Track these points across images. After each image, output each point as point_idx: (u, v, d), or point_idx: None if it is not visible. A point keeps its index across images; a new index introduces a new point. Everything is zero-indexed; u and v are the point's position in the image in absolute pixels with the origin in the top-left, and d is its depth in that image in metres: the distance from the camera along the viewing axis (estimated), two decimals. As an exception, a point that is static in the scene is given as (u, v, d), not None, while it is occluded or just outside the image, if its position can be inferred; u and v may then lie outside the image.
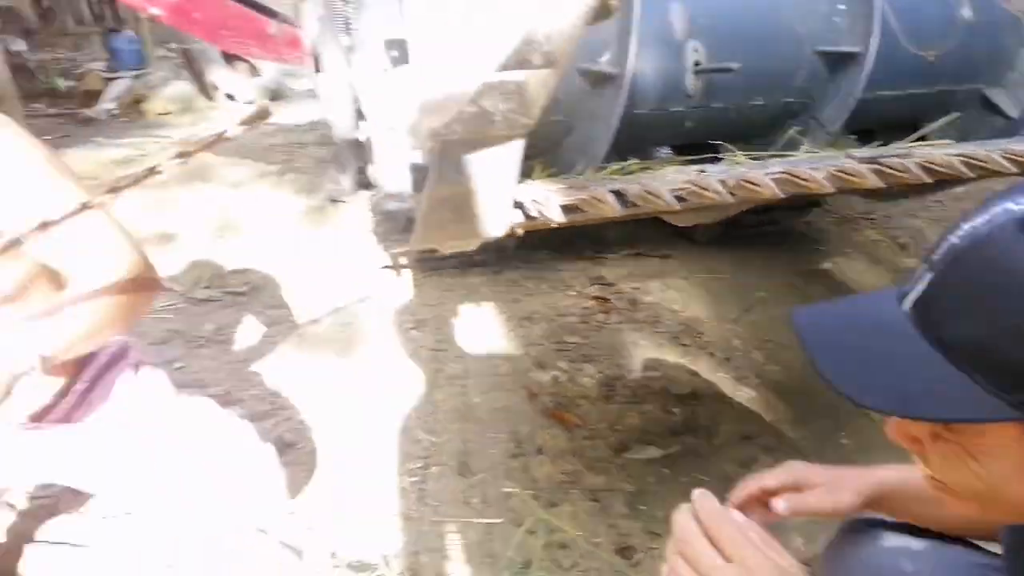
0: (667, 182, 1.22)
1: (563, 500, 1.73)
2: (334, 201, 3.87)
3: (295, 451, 1.86)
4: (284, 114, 6.85)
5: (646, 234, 3.10)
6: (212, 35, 2.77)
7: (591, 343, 2.43)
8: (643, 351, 2.38)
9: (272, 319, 2.58)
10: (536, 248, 3.01)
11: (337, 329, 2.54)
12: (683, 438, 1.99)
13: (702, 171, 1.28)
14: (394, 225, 0.95)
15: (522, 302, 2.75)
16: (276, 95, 7.73)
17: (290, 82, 8.01)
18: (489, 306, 2.71)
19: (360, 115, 1.11)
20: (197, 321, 2.57)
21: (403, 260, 2.91)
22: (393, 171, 1.11)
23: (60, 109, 6.99)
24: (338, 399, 2.10)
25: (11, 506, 1.59)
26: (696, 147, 1.96)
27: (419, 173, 1.10)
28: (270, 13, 2.65)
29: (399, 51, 1.00)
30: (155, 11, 2.68)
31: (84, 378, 1.21)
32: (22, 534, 1.56)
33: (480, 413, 2.06)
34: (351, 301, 2.73)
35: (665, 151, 1.93)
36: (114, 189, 0.79)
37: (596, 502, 1.74)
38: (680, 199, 1.16)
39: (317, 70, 1.72)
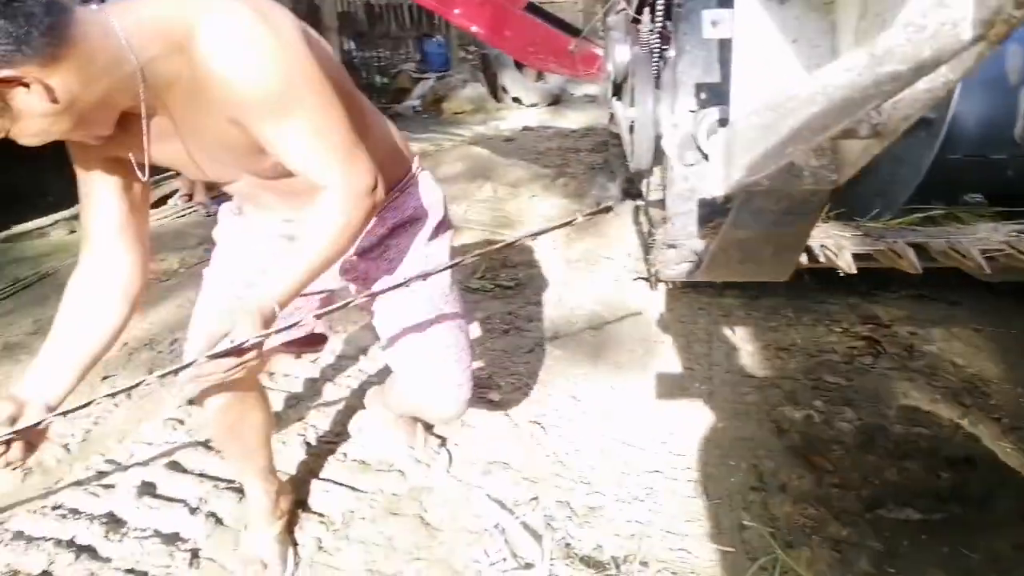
0: (978, 240, 1.13)
1: (802, 544, 1.67)
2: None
3: (535, 438, 2.00)
4: (563, 119, 7.22)
5: (933, 275, 2.82)
6: (519, 52, 3.03)
7: (853, 386, 2.28)
8: (913, 404, 2.19)
9: (531, 315, 2.77)
10: (800, 275, 2.88)
11: (590, 332, 2.66)
12: (949, 506, 1.80)
13: (1022, 233, 1.16)
14: (677, 255, 1.00)
15: (780, 332, 2.66)
16: (557, 100, 8.16)
17: (571, 88, 8.40)
18: (743, 331, 2.66)
19: (659, 148, 1.18)
20: (467, 308, 2.83)
21: (660, 273, 2.95)
22: (684, 205, 1.16)
23: (375, 103, 8.02)
24: (581, 399, 2.21)
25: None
26: (1013, 197, 1.76)
27: (705, 208, 1.14)
28: (572, 31, 2.83)
29: (708, 94, 1.05)
30: (475, 28, 2.99)
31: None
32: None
33: (722, 439, 2.04)
34: (606, 307, 2.84)
35: (976, 197, 1.75)
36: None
37: (838, 553, 1.65)
38: (990, 259, 1.07)
39: (615, 95, 1.83)
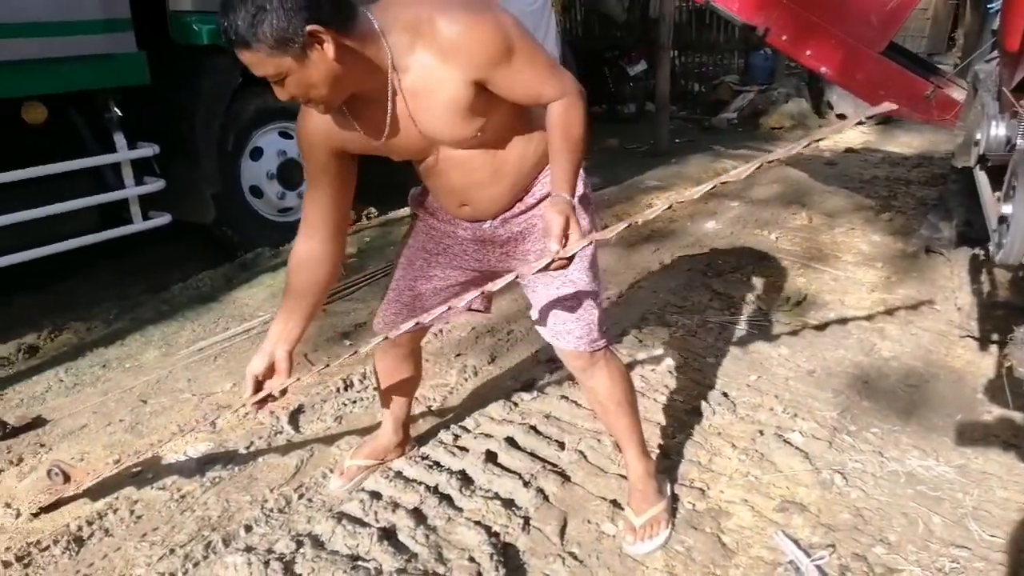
0: None
1: None
2: (929, 251, 3.77)
3: (836, 487, 2.05)
4: (892, 141, 6.72)
5: None
6: (869, 94, 2.99)
7: None
8: None
9: (839, 360, 2.75)
10: None
11: (903, 388, 2.58)
12: None
13: None
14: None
15: None
16: (887, 119, 7.57)
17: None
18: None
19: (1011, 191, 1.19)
20: (744, 339, 2.90)
21: (980, 330, 2.74)
22: None
23: (689, 113, 8.15)
24: (888, 456, 2.19)
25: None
26: None
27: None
28: (933, 71, 2.72)
29: None
30: (824, 70, 3.02)
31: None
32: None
33: (1048, 530, 1.92)
34: (925, 363, 2.73)
35: None
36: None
37: None
38: None
39: (981, 167, 1.80)
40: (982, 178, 1.77)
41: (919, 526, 1.93)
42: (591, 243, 1.53)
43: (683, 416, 2.40)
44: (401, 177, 1.82)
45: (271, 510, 2.01)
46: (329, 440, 2.33)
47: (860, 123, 1.00)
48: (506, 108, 1.50)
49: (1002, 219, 1.33)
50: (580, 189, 1.70)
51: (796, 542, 1.86)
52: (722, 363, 2.73)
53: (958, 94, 2.75)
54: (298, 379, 1.74)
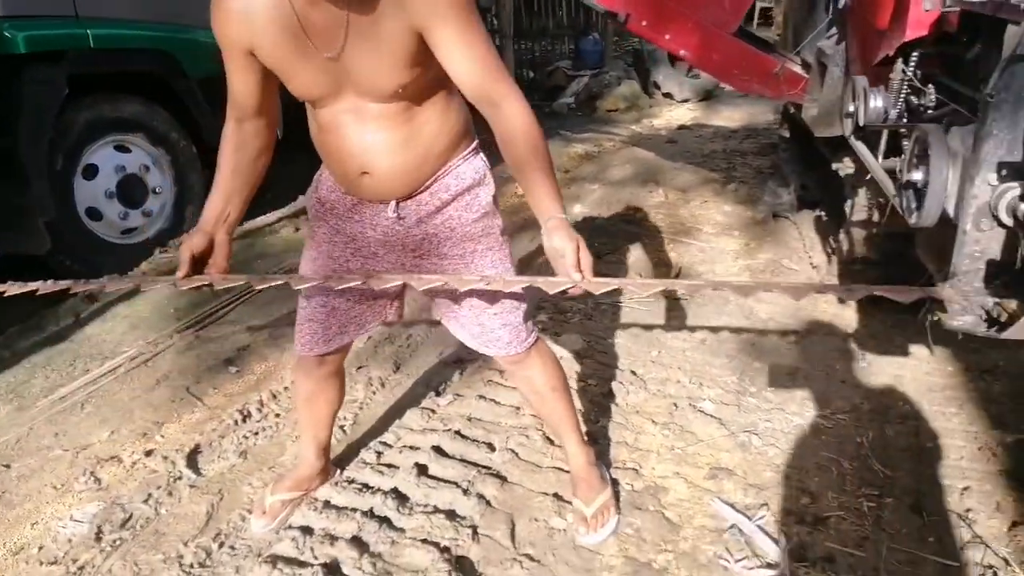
0: None
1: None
2: (776, 216, 4.09)
3: (755, 448, 2.18)
4: (717, 116, 7.22)
5: None
6: (725, 74, 3.17)
7: (1065, 413, 2.31)
8: None
9: (727, 325, 2.93)
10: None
11: (786, 346, 2.80)
12: None
13: None
14: (962, 309, 1.09)
15: (982, 352, 2.69)
16: (709, 95, 8.14)
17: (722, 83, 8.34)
18: (942, 352, 2.71)
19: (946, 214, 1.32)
20: (638, 316, 3.04)
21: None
22: (973, 264, 1.31)
23: (528, 100, 8.28)
24: (789, 412, 2.36)
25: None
26: None
27: (992, 268, 1.29)
28: (772, 48, 2.93)
29: (1008, 171, 1.21)
30: (684, 52, 3.16)
31: None
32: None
33: (933, 459, 2.15)
34: (798, 321, 2.96)
35: None
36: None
37: (1064, 579, 1.75)
38: None
39: (858, 136, 1.94)
40: (860, 146, 1.92)
41: (832, 472, 2.09)
42: (619, 288, 1.43)
43: (600, 400, 2.44)
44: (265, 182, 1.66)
45: (190, 566, 1.82)
46: (238, 479, 2.15)
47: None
48: (435, 75, 1.42)
49: (908, 184, 1.44)
50: (493, 189, 1.67)
51: (732, 506, 1.95)
52: (623, 343, 2.81)
53: (799, 70, 3.00)
54: (243, 282, 1.57)
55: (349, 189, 1.58)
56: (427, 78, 1.43)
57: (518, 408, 2.39)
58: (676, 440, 2.23)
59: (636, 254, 3.66)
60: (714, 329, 2.91)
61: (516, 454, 2.18)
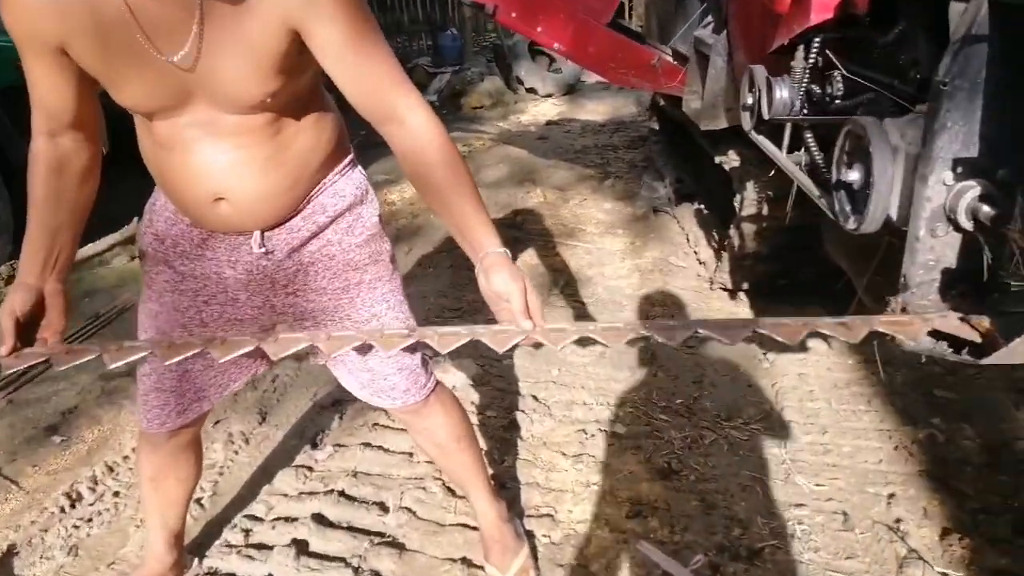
0: None
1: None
2: (656, 211, 4.00)
3: (675, 475, 2.00)
4: (583, 110, 7.16)
5: None
6: (601, 67, 2.99)
7: (965, 400, 2.30)
8: (1028, 417, 2.21)
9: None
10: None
11: (687, 350, 2.66)
12: (1094, 528, 1.82)
13: None
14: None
15: (877, 344, 2.66)
16: (572, 89, 8.09)
17: (584, 76, 8.32)
18: (838, 344, 2.66)
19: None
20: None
21: (733, 282, 2.93)
22: (928, 274, 1.16)
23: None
24: (710, 427, 2.21)
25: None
26: None
27: (947, 277, 1.15)
28: (643, 39, 2.79)
29: (965, 169, 1.06)
30: (558, 46, 2.96)
31: None
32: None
33: (855, 465, 2.05)
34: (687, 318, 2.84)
35: None
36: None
37: (1002, 586, 1.67)
38: None
39: (759, 131, 1.78)
40: (763, 141, 1.77)
41: (758, 493, 1.94)
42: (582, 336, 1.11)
43: (503, 434, 2.18)
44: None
45: None
46: (67, 584, 1.72)
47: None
48: (308, 81, 1.14)
49: (841, 185, 1.27)
50: (378, 208, 1.39)
51: (662, 546, 1.75)
52: (520, 363, 2.56)
53: (674, 61, 2.87)
54: (94, 355, 1.17)
55: (198, 220, 1.23)
56: (300, 84, 1.13)
57: (411, 454, 2.09)
58: (591, 474, 2.01)
59: (522, 260, 3.43)
60: (612, 339, 2.72)
61: (414, 513, 1.88)
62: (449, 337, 1.14)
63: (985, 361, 1.02)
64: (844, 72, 1.53)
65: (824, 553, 1.75)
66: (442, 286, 3.15)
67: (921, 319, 1.11)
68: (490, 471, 1.99)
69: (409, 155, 1.14)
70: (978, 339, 1.06)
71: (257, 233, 1.24)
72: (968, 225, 1.09)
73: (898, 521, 1.85)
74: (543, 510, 1.89)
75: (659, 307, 2.95)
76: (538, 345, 1.10)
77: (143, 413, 1.40)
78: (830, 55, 1.60)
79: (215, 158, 1.14)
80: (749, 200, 2.66)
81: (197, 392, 1.40)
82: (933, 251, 1.14)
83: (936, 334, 1.11)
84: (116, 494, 2.02)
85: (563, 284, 3.16)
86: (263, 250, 1.25)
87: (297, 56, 1.07)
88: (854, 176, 1.24)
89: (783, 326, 1.07)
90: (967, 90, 1.06)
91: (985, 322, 1.06)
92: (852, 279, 1.71)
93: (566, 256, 3.46)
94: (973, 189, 1.08)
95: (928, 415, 2.24)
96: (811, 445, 2.13)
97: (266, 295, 1.32)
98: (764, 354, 2.60)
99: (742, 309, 2.92)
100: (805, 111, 1.67)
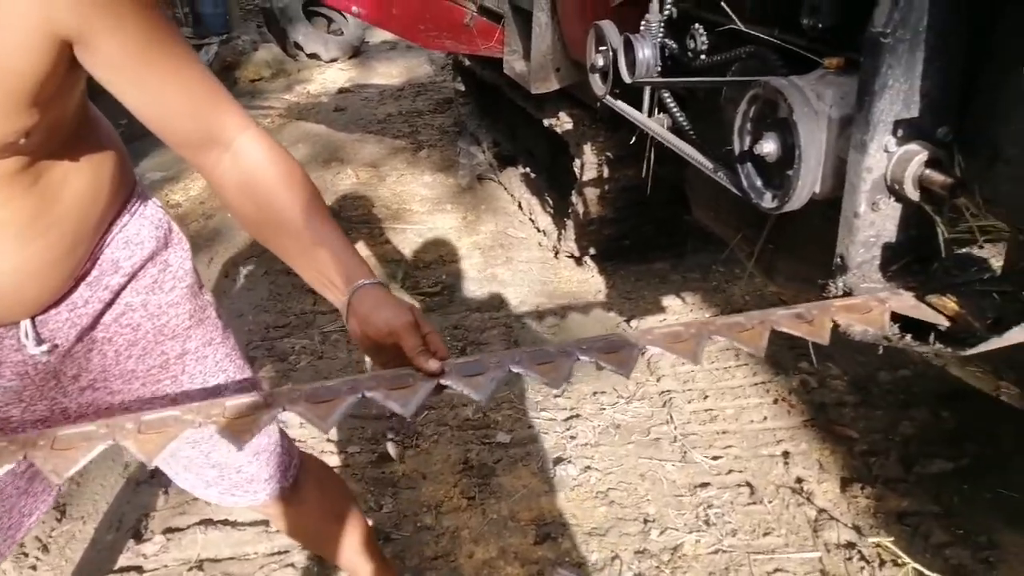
0: None
1: (874, 526, 1.68)
2: (481, 179, 3.77)
3: (573, 480, 1.83)
4: (374, 74, 6.71)
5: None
6: (410, 30, 2.64)
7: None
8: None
9: (480, 324, 2.52)
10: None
11: (549, 329, 2.49)
12: (965, 446, 1.90)
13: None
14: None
15: (726, 291, 2.66)
16: (357, 51, 7.57)
17: (368, 36, 7.82)
18: (691, 297, 2.63)
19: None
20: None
21: (580, 248, 2.81)
22: (868, 252, 1.03)
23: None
24: (589, 416, 2.05)
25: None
26: None
27: (888, 252, 1.02)
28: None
29: (906, 130, 0.92)
30: (356, 9, 2.57)
31: None
32: None
33: (740, 428, 2.00)
34: (549, 296, 2.67)
35: None
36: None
37: (909, 527, 1.67)
38: None
39: (615, 94, 1.59)
40: (623, 106, 1.58)
41: (662, 483, 1.82)
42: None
43: (371, 471, 1.89)
44: None
45: None
46: None
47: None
48: (75, 102, 0.79)
49: (749, 157, 1.11)
50: (187, 253, 1.02)
51: (580, 568, 1.57)
52: (373, 380, 2.25)
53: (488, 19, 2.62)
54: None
55: None
56: (67, 110, 0.78)
57: (266, 523, 1.73)
58: (484, 498, 1.78)
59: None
60: (467, 331, 2.48)
61: (286, 599, 1.55)
62: (323, 405, 0.80)
63: (971, 352, 0.89)
64: (697, 25, 1.36)
65: (742, 535, 1.67)
66: (259, 299, 2.72)
67: (877, 299, 0.97)
68: (369, 521, 1.71)
69: (241, 187, 0.85)
70: (944, 322, 0.93)
71: (25, 323, 0.84)
72: (915, 195, 0.96)
73: (799, 481, 1.81)
74: (440, 558, 1.63)
75: (511, 287, 2.74)
76: (441, 389, 0.82)
77: None
78: (679, 6, 1.43)
79: None
80: (589, 164, 2.50)
81: None
82: (874, 226, 1.00)
83: (894, 319, 0.98)
84: None
85: (402, 276, 2.85)
86: (41, 347, 0.86)
87: (64, 75, 0.71)
88: (768, 148, 1.07)
89: (750, 334, 0.89)
90: (908, 41, 0.90)
91: (950, 303, 0.94)
92: (736, 249, 1.59)
93: (397, 242, 3.14)
94: (919, 155, 0.94)
95: (794, 360, 2.24)
96: (696, 414, 2.05)
97: (53, 397, 0.92)
98: (627, 320, 2.49)
99: (591, 275, 2.79)
100: (673, 73, 1.49)
